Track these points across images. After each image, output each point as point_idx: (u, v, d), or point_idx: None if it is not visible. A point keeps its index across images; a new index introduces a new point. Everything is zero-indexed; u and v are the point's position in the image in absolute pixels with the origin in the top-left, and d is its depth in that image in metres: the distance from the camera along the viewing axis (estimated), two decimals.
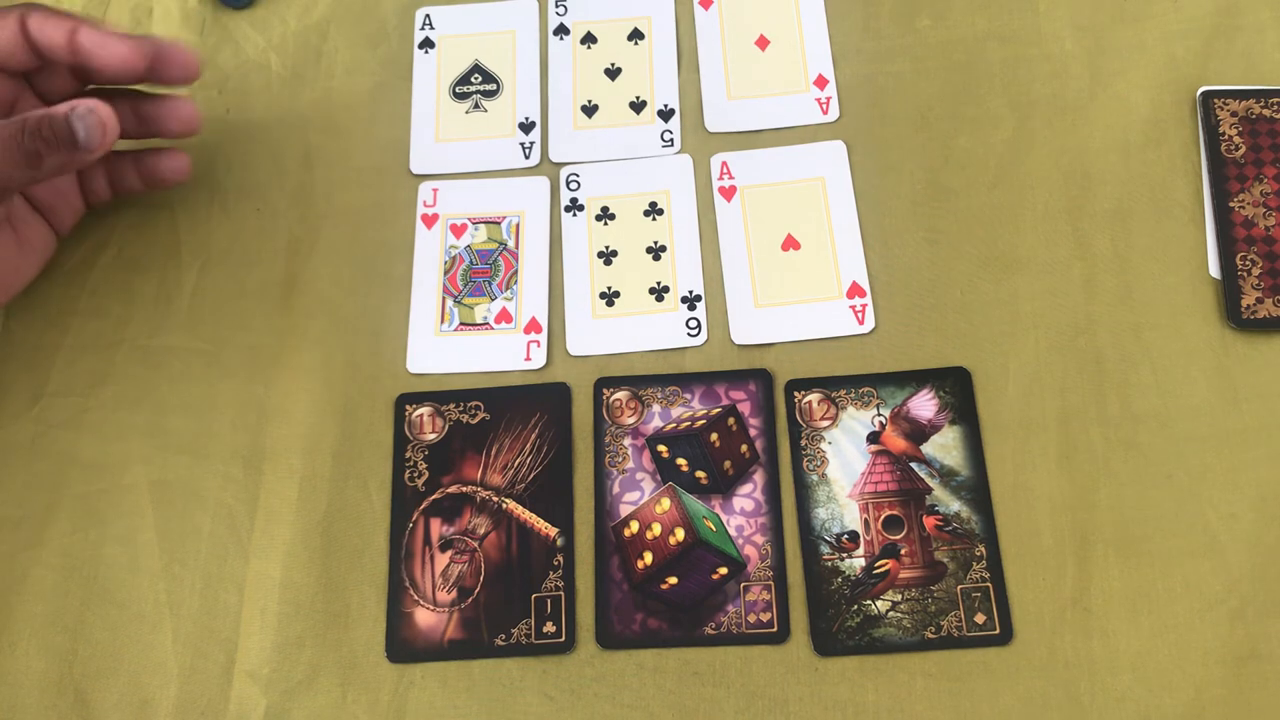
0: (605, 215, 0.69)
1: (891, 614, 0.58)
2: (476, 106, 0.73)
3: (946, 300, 0.65)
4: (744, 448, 0.62)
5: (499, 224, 0.70)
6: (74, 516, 0.63)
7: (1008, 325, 0.64)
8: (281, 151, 0.73)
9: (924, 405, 0.63)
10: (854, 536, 0.60)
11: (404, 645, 0.59)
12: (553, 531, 0.61)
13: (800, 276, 0.66)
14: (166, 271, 0.70)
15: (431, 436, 0.64)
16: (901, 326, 0.65)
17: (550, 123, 0.72)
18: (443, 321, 0.67)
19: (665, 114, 0.72)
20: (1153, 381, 0.62)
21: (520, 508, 0.62)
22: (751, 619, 0.59)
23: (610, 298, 0.67)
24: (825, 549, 0.60)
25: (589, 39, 0.75)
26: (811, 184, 0.69)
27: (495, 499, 0.62)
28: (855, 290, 0.66)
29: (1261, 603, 0.57)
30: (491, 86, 0.74)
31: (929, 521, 0.60)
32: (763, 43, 0.73)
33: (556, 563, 0.61)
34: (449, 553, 0.61)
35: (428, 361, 0.66)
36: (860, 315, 0.65)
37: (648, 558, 0.59)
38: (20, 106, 0.63)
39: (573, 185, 0.70)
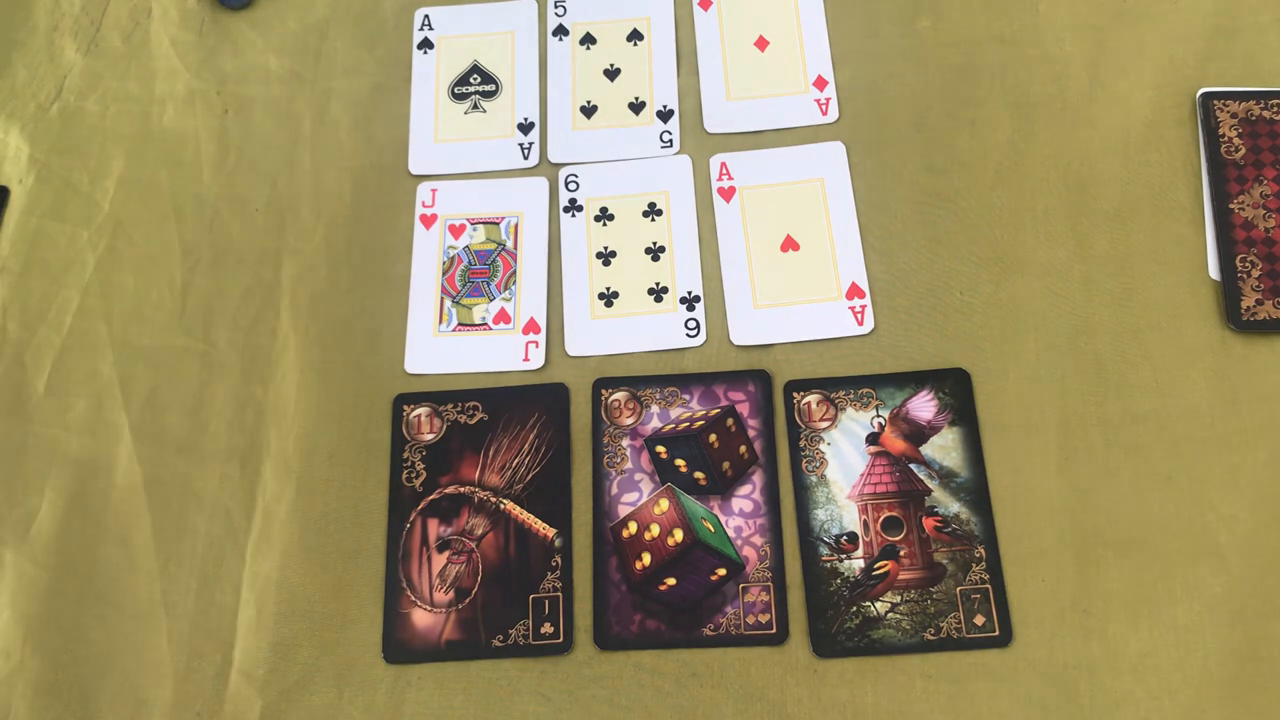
0: (604, 216, 0.69)
1: (891, 615, 0.58)
2: (475, 107, 0.73)
3: (946, 301, 0.65)
4: (743, 449, 0.62)
5: (497, 224, 0.70)
6: (70, 516, 0.63)
7: (1007, 326, 0.64)
8: (280, 152, 0.73)
9: (923, 406, 0.62)
10: (853, 538, 0.60)
11: (401, 646, 0.59)
12: (551, 532, 0.61)
13: (799, 277, 0.66)
14: (166, 271, 0.70)
15: (429, 437, 0.64)
16: (901, 327, 0.65)
17: (549, 123, 0.72)
18: (441, 322, 0.67)
19: (664, 115, 0.72)
20: (1152, 383, 0.62)
21: (518, 508, 0.62)
22: (750, 620, 0.58)
23: (609, 298, 0.67)
24: (824, 550, 0.60)
25: (588, 40, 0.75)
26: (811, 185, 0.69)
27: (493, 499, 0.62)
28: (854, 291, 0.66)
29: (1261, 605, 0.57)
30: (490, 87, 0.74)
31: (928, 523, 0.60)
32: (762, 44, 0.73)
33: (554, 563, 0.60)
34: (446, 553, 0.61)
35: (426, 362, 0.66)
36: (859, 316, 0.65)
37: (646, 559, 0.59)
38: None
39: (571, 186, 0.70)
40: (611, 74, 0.73)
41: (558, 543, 0.61)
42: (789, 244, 0.67)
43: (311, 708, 0.58)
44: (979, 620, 0.58)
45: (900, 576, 0.59)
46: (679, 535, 0.59)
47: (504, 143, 0.72)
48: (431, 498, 0.62)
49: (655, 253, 0.68)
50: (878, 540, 0.60)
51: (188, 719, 0.59)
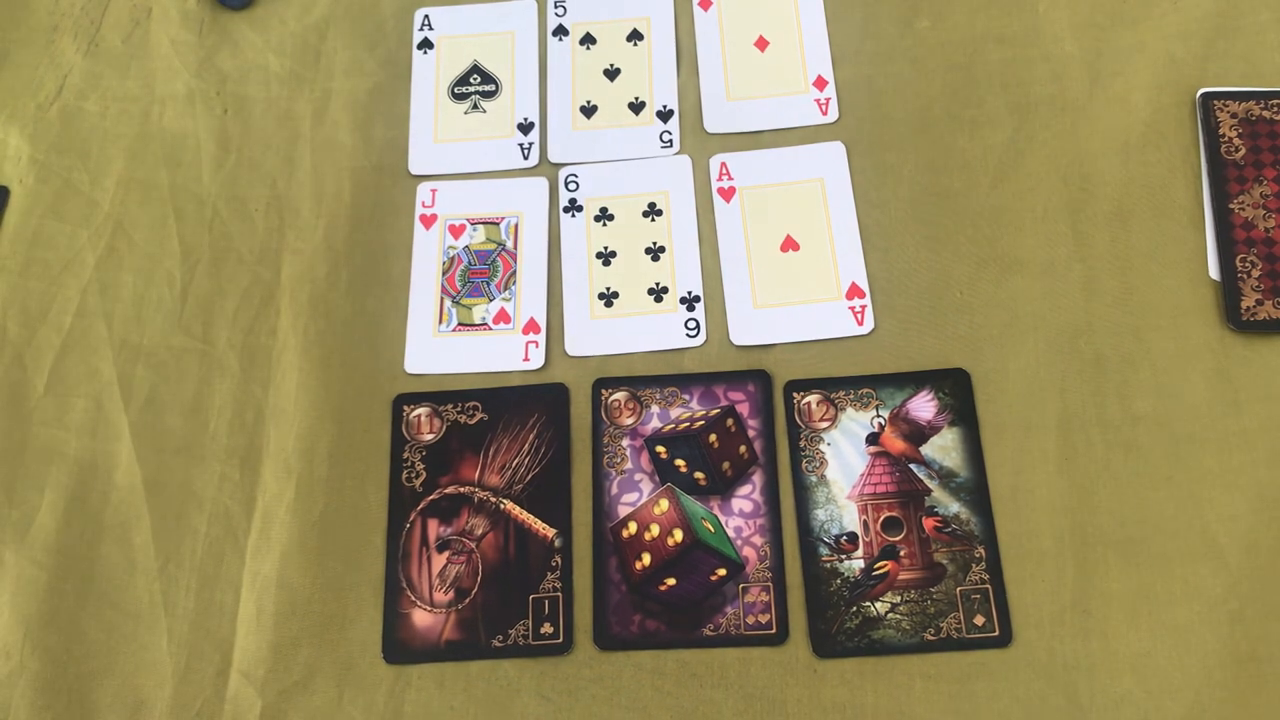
0: (604, 216, 0.69)
1: (891, 616, 0.58)
2: (475, 107, 0.73)
3: (946, 301, 0.65)
4: (743, 449, 0.62)
5: (497, 224, 0.70)
6: (70, 516, 0.63)
7: (1007, 326, 0.64)
8: (280, 152, 0.73)
9: (923, 406, 0.62)
10: (853, 538, 0.60)
11: (401, 646, 0.59)
12: (550, 532, 0.61)
13: (799, 277, 0.66)
14: (166, 271, 0.70)
15: (429, 437, 0.64)
16: (901, 327, 0.65)
17: (549, 123, 0.72)
18: (441, 322, 0.67)
19: (664, 115, 0.72)
20: (1152, 383, 0.62)
21: (518, 508, 0.62)
22: (750, 620, 0.58)
23: (609, 298, 0.67)
24: (824, 550, 0.60)
25: (588, 40, 0.75)
26: (811, 185, 0.69)
27: (493, 499, 0.62)
28: (854, 291, 0.66)
29: (1261, 605, 0.57)
30: (490, 87, 0.74)
31: (928, 523, 0.60)
32: (762, 44, 0.73)
33: (554, 564, 0.60)
34: (446, 553, 0.61)
35: (425, 362, 0.66)
36: (859, 316, 0.65)
37: (646, 559, 0.59)
38: None
39: (571, 186, 0.70)
40: (611, 74, 0.73)
41: (558, 543, 0.61)
42: (789, 244, 0.67)
43: (311, 708, 0.58)
44: (979, 620, 0.58)
45: (900, 576, 0.59)
46: (679, 535, 0.59)
47: (504, 143, 0.72)
48: (431, 498, 0.62)
49: (655, 253, 0.68)
50: (878, 540, 0.60)
51: (188, 719, 0.59)
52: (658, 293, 0.67)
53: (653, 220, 0.69)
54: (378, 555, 0.62)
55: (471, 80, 0.74)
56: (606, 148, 0.71)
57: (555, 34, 0.75)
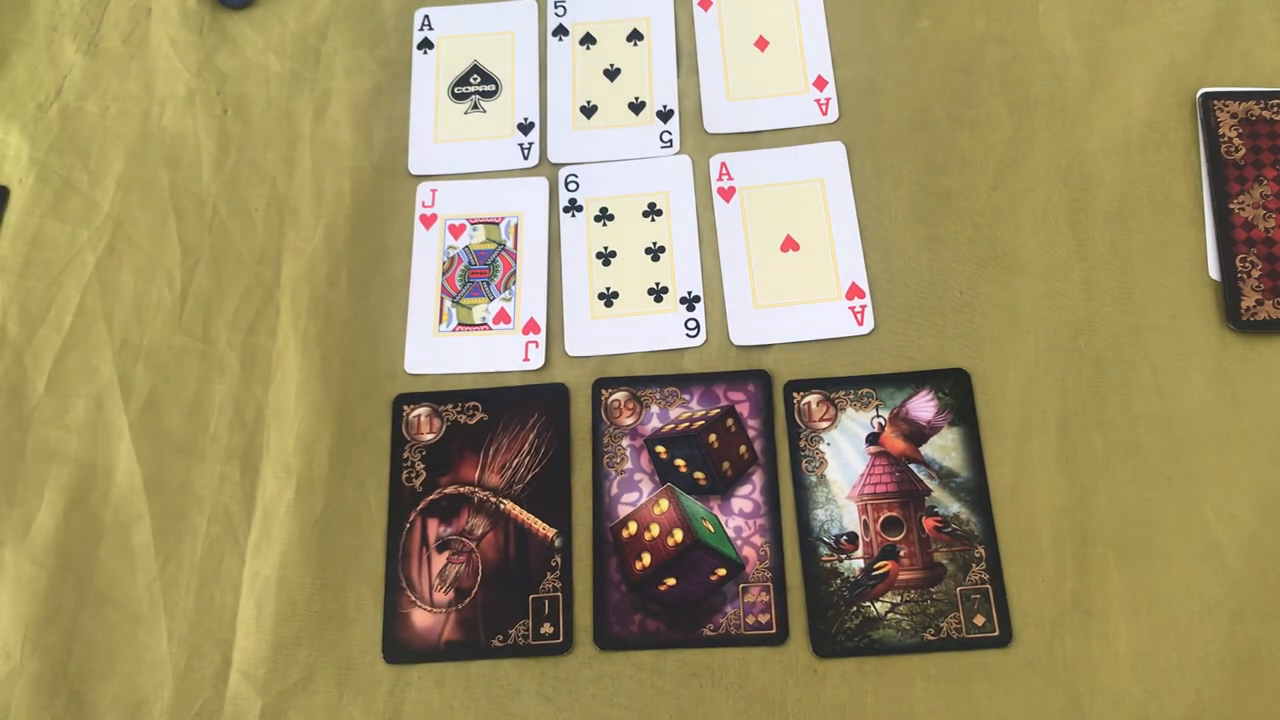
0: (604, 216, 0.69)
1: (890, 616, 0.58)
2: (475, 107, 0.73)
3: (946, 301, 0.65)
4: (742, 449, 0.62)
5: (497, 224, 0.70)
6: (70, 516, 0.63)
7: (1007, 326, 0.64)
8: (279, 152, 0.73)
9: (923, 406, 0.62)
10: (853, 538, 0.60)
11: (401, 646, 0.59)
12: (550, 532, 0.61)
13: (799, 277, 0.66)
14: (166, 271, 0.70)
15: (429, 437, 0.64)
16: (901, 327, 0.65)
17: (549, 123, 0.72)
18: (441, 322, 0.67)
19: (664, 115, 0.72)
20: (1152, 383, 0.62)
21: (518, 508, 0.62)
22: (750, 620, 0.58)
23: (609, 298, 0.67)
24: (824, 550, 0.59)
25: (588, 40, 0.75)
26: (811, 185, 0.69)
27: (493, 499, 0.62)
28: (854, 291, 0.66)
29: (1261, 605, 0.57)
30: (490, 87, 0.74)
31: (928, 523, 0.60)
32: (762, 44, 0.73)
33: (554, 564, 0.60)
34: (446, 553, 0.61)
35: (425, 362, 0.66)
36: (859, 316, 0.65)
37: (646, 559, 0.59)
38: None
39: (571, 186, 0.70)
40: (611, 74, 0.73)
41: (558, 543, 0.61)
42: (789, 244, 0.67)
43: (311, 708, 0.58)
44: (979, 620, 0.58)
45: (900, 576, 0.59)
46: (679, 535, 0.59)
47: (504, 143, 0.72)
48: (431, 498, 0.62)
49: (655, 253, 0.68)
50: (878, 540, 0.60)
51: (187, 719, 0.59)
52: (658, 293, 0.67)
53: (653, 220, 0.69)
54: (377, 555, 0.62)
55: (471, 80, 0.74)
56: (606, 148, 0.71)
57: (555, 34, 0.75)
